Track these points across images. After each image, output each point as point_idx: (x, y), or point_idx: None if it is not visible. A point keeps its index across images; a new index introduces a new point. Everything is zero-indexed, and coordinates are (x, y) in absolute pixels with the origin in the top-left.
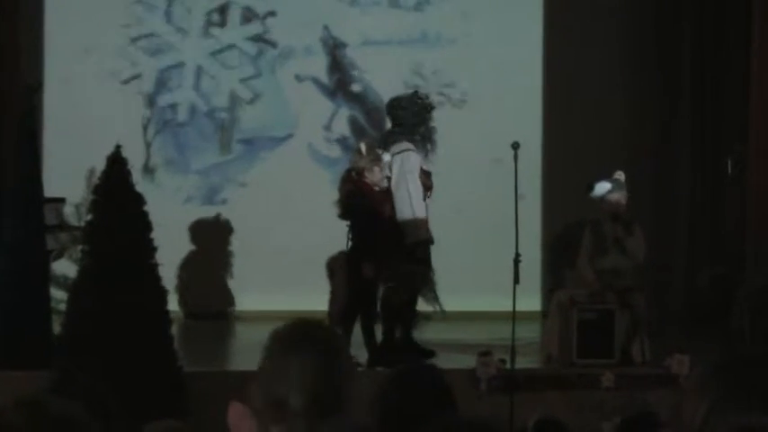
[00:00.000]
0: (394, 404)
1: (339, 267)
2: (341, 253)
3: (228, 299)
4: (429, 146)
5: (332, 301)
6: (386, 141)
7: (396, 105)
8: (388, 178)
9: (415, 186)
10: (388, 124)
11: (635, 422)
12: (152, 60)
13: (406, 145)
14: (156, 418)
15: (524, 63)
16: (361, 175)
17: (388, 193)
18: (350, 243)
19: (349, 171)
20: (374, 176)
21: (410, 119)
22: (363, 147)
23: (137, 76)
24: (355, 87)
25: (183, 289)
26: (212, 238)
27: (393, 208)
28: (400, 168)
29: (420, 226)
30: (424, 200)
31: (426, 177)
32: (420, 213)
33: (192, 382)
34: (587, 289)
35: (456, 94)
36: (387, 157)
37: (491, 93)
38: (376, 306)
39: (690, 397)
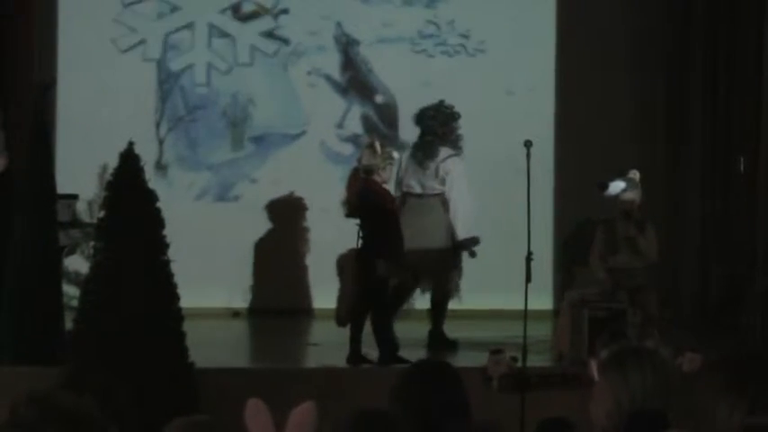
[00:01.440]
0: (410, 399)
1: (349, 265)
2: (351, 251)
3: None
4: (457, 152)
5: (340, 299)
6: (424, 150)
7: (425, 116)
8: (443, 181)
9: (465, 189)
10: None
11: (643, 420)
12: (165, 58)
13: (449, 151)
14: (167, 415)
15: (537, 63)
16: (369, 173)
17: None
18: (361, 241)
19: (356, 170)
20: (387, 174)
21: (439, 128)
22: (378, 145)
23: (150, 72)
24: (368, 85)
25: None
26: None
27: (394, 206)
28: (452, 172)
29: (470, 225)
30: None
31: None
32: (469, 214)
33: (203, 379)
34: (598, 287)
35: (468, 92)
36: (396, 154)
37: (503, 92)
38: (389, 304)
39: (722, 397)
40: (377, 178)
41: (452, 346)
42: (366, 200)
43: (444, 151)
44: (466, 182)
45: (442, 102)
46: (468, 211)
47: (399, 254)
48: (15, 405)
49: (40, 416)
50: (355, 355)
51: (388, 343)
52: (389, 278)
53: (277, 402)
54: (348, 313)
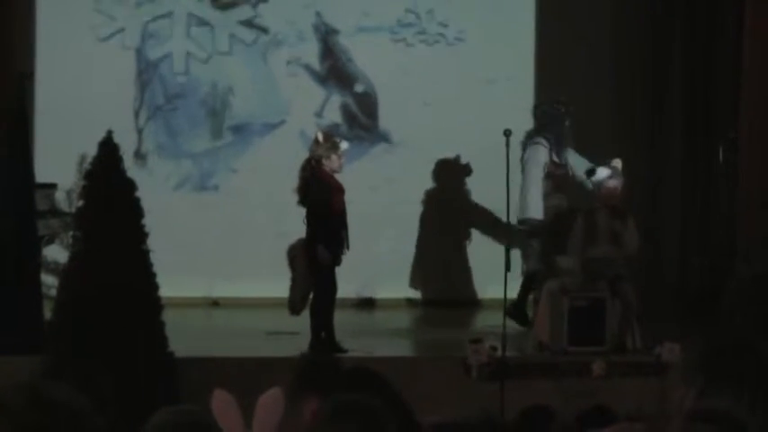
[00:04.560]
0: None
1: (299, 254)
2: (300, 240)
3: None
4: (562, 142)
5: (292, 288)
6: (525, 138)
7: (535, 108)
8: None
9: (535, 173)
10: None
11: (591, 415)
12: (144, 46)
13: (536, 139)
14: (146, 403)
15: (516, 52)
16: (319, 162)
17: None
18: (306, 229)
19: (308, 160)
20: (332, 164)
21: (542, 120)
22: (320, 135)
23: (129, 62)
24: (347, 74)
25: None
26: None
27: (343, 196)
28: (527, 157)
29: (529, 207)
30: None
31: (556, 168)
32: (531, 197)
33: (182, 368)
34: (576, 277)
35: (447, 81)
36: (344, 144)
37: (483, 81)
38: (335, 291)
39: (677, 384)
40: (326, 168)
41: (527, 323)
42: (312, 187)
43: (530, 141)
44: (537, 168)
45: (556, 99)
46: (533, 195)
47: (341, 240)
48: (1, 394)
49: (27, 404)
50: (318, 344)
51: (320, 330)
52: (332, 264)
53: (253, 391)
54: (302, 301)
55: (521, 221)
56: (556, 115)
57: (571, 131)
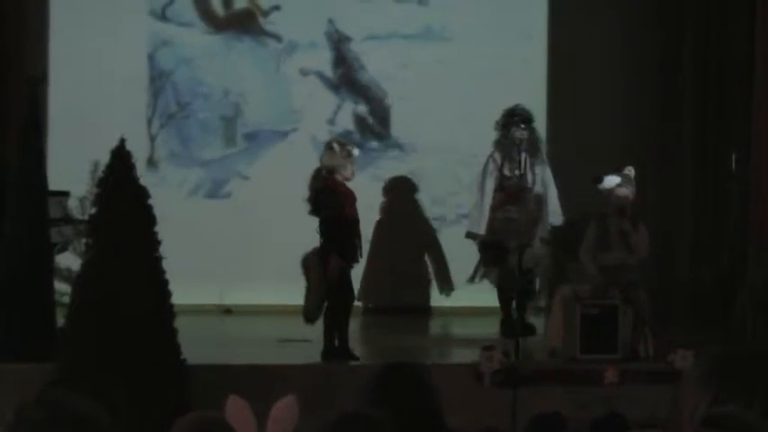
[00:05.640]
0: (379, 403)
1: (313, 264)
2: (314, 249)
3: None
4: (513, 154)
5: (307, 297)
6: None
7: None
8: None
9: (481, 185)
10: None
11: (604, 422)
12: (157, 54)
13: (491, 152)
14: (159, 411)
15: (528, 59)
16: (331, 172)
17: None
18: (320, 239)
19: (319, 169)
20: (347, 172)
21: (498, 128)
22: (336, 145)
23: (141, 69)
24: (360, 81)
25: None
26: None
27: (355, 204)
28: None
29: (476, 220)
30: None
31: (505, 180)
32: (477, 210)
33: (195, 375)
34: (589, 283)
35: (459, 89)
36: (355, 152)
37: (496, 90)
38: (351, 300)
39: (690, 391)
40: (339, 177)
41: (531, 331)
42: (325, 198)
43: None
44: (484, 181)
45: (516, 105)
46: (479, 208)
47: (354, 251)
48: (22, 406)
49: (49, 418)
50: (330, 351)
51: (334, 337)
52: (346, 273)
53: (265, 398)
54: (316, 310)
55: (467, 234)
56: (502, 123)
57: (537, 143)
